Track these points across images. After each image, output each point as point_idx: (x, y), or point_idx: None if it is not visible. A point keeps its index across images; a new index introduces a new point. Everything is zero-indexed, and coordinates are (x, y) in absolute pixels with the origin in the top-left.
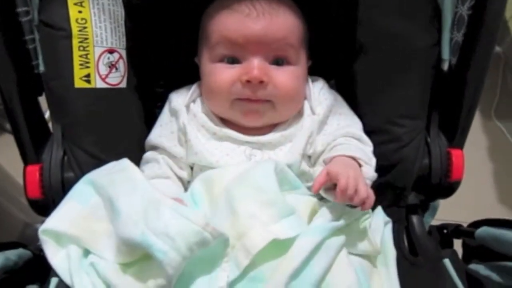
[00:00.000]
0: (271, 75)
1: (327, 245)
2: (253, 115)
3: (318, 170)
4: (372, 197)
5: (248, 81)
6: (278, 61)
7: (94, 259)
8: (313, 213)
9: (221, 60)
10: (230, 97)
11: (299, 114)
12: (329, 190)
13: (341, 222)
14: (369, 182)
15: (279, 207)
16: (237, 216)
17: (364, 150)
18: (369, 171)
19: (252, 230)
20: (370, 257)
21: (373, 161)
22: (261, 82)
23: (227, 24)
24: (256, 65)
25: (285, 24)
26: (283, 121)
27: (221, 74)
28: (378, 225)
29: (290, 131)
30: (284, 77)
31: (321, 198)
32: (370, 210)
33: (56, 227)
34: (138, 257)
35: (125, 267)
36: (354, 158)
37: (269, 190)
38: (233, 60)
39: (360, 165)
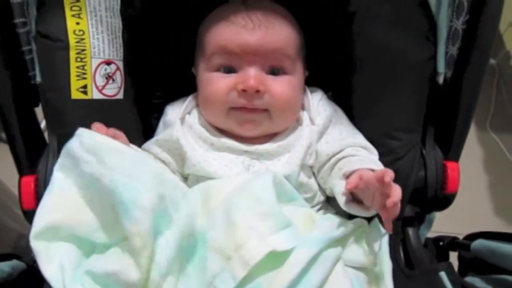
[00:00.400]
0: (267, 84)
1: (324, 257)
2: (249, 124)
3: (339, 184)
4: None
5: (244, 90)
6: (274, 71)
7: (88, 266)
8: (310, 225)
9: (217, 70)
10: (226, 106)
11: (298, 124)
12: (349, 203)
13: (338, 234)
14: None
15: (277, 219)
16: (235, 227)
17: (376, 161)
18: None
19: (250, 241)
20: (366, 270)
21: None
22: (257, 91)
23: (223, 35)
24: (252, 74)
25: (280, 36)
26: (282, 131)
27: (217, 82)
28: (375, 238)
29: (288, 141)
30: (280, 86)
31: (318, 210)
32: (366, 223)
33: (42, 224)
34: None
35: (121, 251)
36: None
37: (267, 202)
38: (229, 70)
39: None
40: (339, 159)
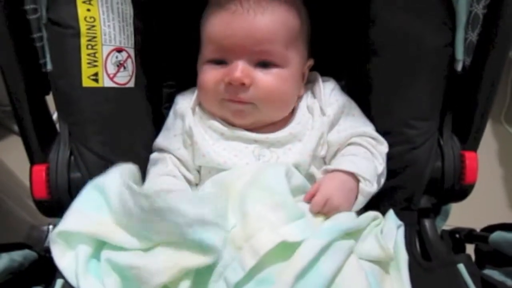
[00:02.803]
0: (254, 77)
1: (335, 247)
2: (239, 114)
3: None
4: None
5: (229, 83)
6: (264, 63)
7: (109, 254)
8: (322, 218)
9: (210, 61)
10: (217, 97)
11: (309, 113)
12: None
13: (350, 226)
14: (363, 199)
15: (289, 210)
16: (247, 218)
17: (374, 157)
18: (367, 187)
19: (261, 231)
20: (381, 262)
21: (380, 168)
22: (243, 84)
23: (213, 25)
24: (238, 67)
25: (270, 23)
26: (292, 120)
27: (208, 74)
28: (391, 229)
29: (299, 130)
30: (267, 79)
31: None
32: (380, 215)
33: (72, 228)
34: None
35: (149, 250)
36: (353, 174)
37: (280, 192)
38: (220, 61)
39: (359, 181)
40: (336, 152)
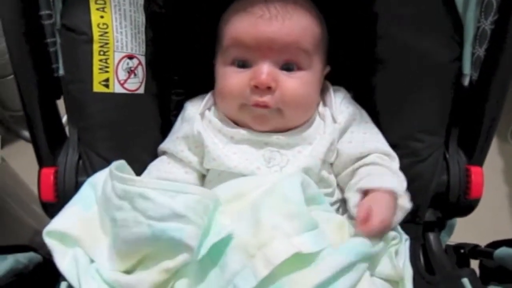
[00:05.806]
0: (279, 80)
1: (355, 268)
2: (260, 119)
3: (353, 197)
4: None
5: (256, 86)
6: (289, 66)
7: (99, 265)
8: (336, 230)
9: (232, 63)
10: (239, 102)
11: (320, 119)
12: None
13: (372, 250)
14: (402, 215)
15: (303, 220)
16: (260, 226)
17: (396, 173)
18: (405, 203)
19: (275, 240)
20: (392, 281)
21: (404, 183)
22: (269, 87)
23: (239, 27)
24: (265, 70)
25: (297, 28)
26: (303, 123)
27: (231, 78)
28: (401, 248)
29: (309, 132)
30: (293, 83)
31: (338, 208)
32: (399, 236)
33: (59, 228)
34: (136, 261)
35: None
36: (391, 191)
37: (295, 202)
38: (243, 64)
39: (396, 197)
40: (361, 166)
